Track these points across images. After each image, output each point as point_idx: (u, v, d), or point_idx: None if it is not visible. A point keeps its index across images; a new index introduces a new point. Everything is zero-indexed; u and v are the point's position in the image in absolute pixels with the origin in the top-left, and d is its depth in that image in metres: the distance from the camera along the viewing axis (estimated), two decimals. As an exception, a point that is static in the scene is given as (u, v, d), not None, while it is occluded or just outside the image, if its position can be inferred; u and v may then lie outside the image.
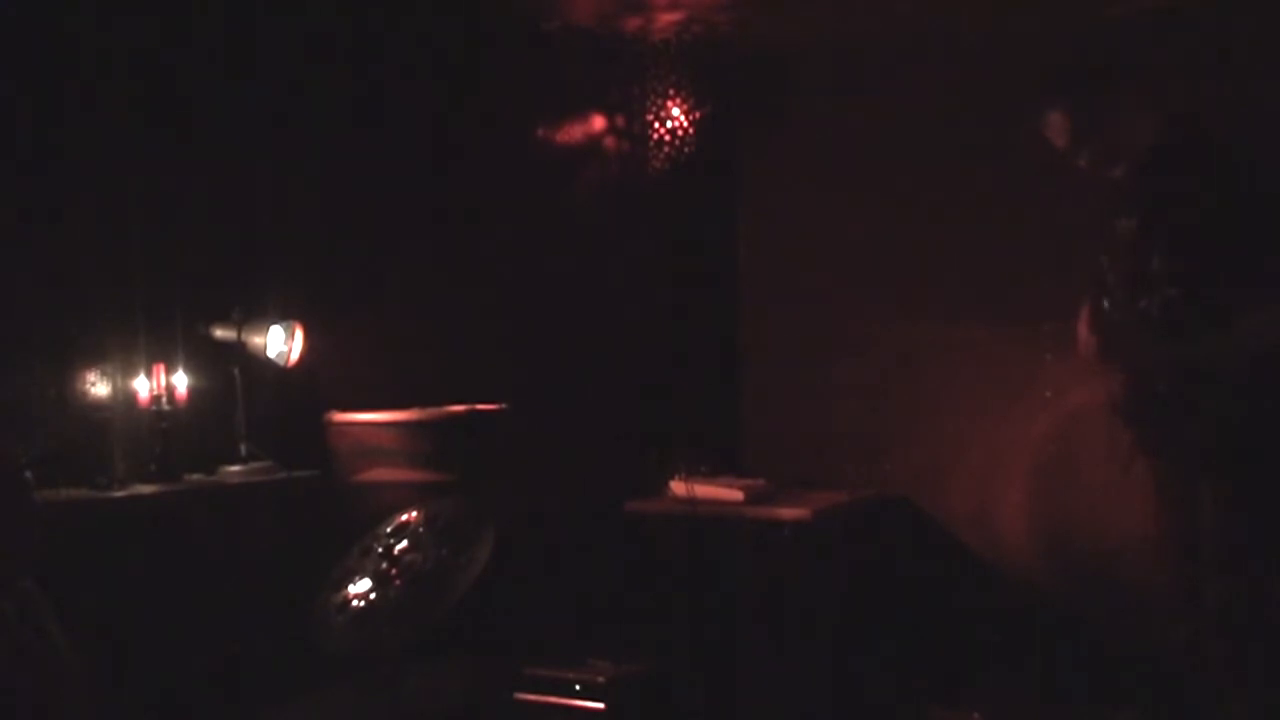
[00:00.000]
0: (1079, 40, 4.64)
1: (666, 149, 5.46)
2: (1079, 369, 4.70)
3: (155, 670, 3.40)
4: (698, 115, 5.52)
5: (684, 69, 5.44)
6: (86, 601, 3.09)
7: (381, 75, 4.48)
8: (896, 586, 5.08)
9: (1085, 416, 4.78)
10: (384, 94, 4.49)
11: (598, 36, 5.16)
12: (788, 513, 4.76)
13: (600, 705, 4.20)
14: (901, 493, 5.23)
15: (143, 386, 3.78)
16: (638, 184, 5.41)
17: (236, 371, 3.94)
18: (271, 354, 3.95)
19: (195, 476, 3.82)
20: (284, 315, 3.98)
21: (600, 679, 4.23)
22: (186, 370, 3.89)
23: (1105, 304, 3.90)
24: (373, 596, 3.46)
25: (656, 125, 5.44)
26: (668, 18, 5.05)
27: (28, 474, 2.71)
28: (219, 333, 3.97)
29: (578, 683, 4.24)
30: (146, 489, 3.64)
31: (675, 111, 5.46)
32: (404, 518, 3.65)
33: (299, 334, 3.97)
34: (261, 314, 3.99)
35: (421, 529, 3.57)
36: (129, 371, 3.80)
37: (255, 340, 3.95)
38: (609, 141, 5.34)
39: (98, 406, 3.76)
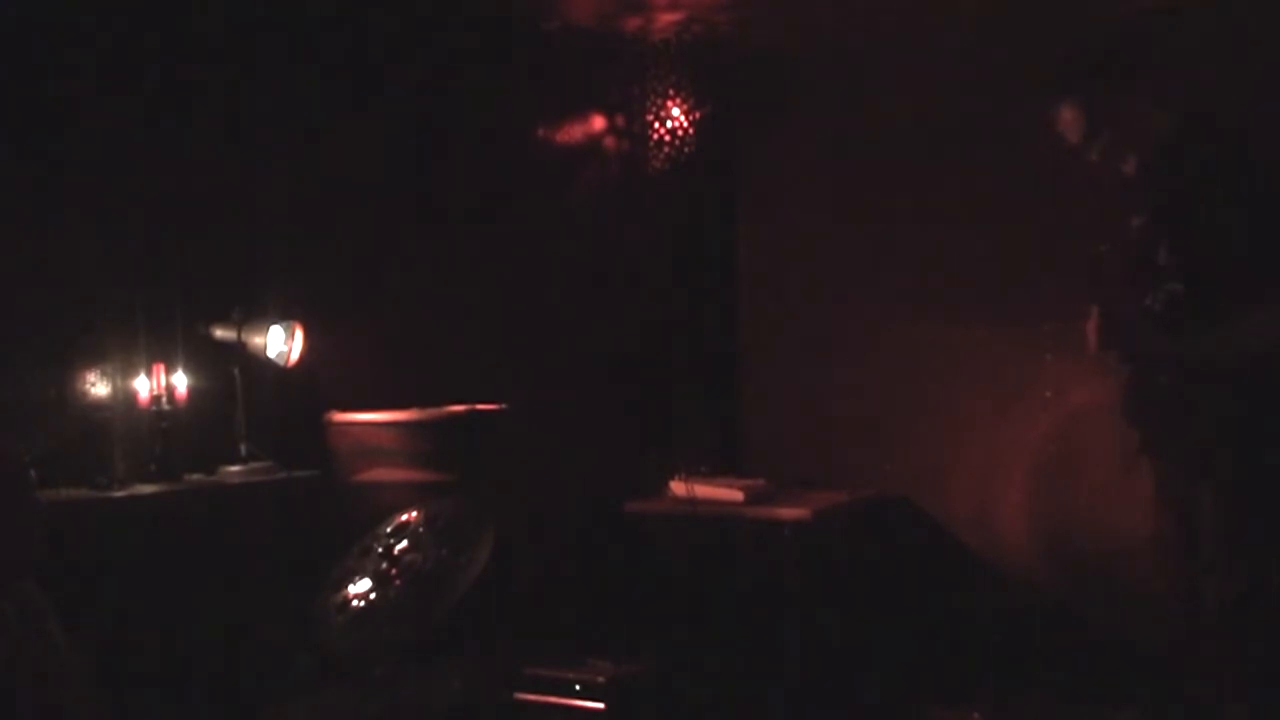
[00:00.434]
0: (1080, 39, 4.64)
1: (666, 149, 5.46)
2: (1079, 369, 4.71)
3: (155, 670, 3.39)
4: (698, 115, 5.52)
5: (684, 69, 5.44)
6: (86, 601, 3.09)
7: (381, 75, 4.48)
8: (896, 586, 5.08)
9: (1085, 416, 4.78)
10: (384, 93, 4.49)
11: (598, 36, 5.17)
12: (788, 513, 4.76)
13: (600, 705, 4.20)
14: (901, 493, 5.23)
15: (143, 386, 3.78)
16: (638, 184, 5.41)
17: (236, 371, 3.94)
18: (271, 354, 3.95)
19: (195, 476, 3.82)
20: (284, 315, 3.98)
21: (600, 679, 4.23)
22: (186, 370, 3.89)
23: (1111, 299, 3.90)
24: (373, 596, 3.46)
25: (656, 125, 5.44)
26: (668, 18, 5.06)
27: (31, 472, 2.71)
28: (219, 333, 3.96)
29: (578, 683, 4.23)
30: (146, 489, 3.64)
31: (675, 111, 5.46)
32: (404, 518, 3.65)
33: (299, 334, 3.97)
34: (261, 314, 3.98)
35: (421, 529, 3.57)
36: (129, 371, 3.80)
37: (255, 340, 3.94)
38: (609, 141, 5.34)
39: (98, 406, 3.75)
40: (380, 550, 3.55)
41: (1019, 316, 4.93)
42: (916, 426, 5.22)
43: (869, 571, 5.01)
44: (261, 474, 3.88)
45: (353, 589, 3.51)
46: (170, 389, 3.81)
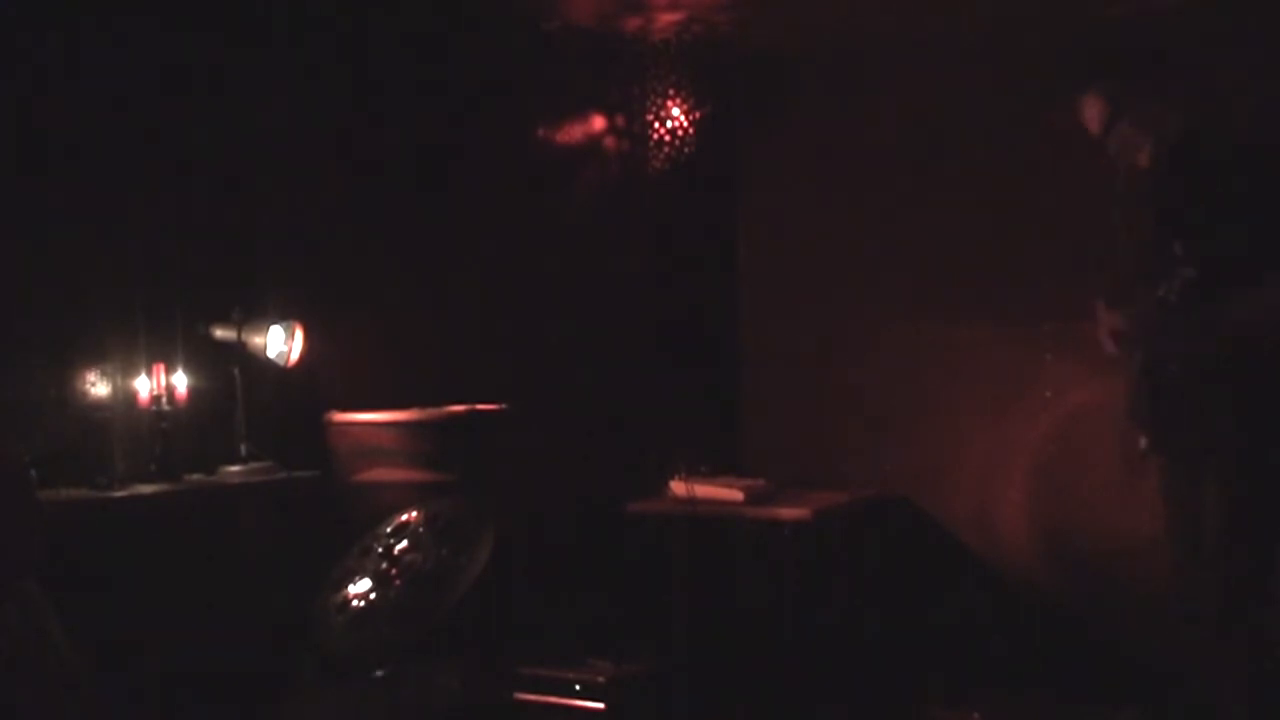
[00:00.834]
0: (1080, 38, 4.64)
1: (666, 149, 5.46)
2: (1079, 369, 4.71)
3: (155, 670, 3.39)
4: (698, 115, 5.52)
5: (684, 69, 5.44)
6: (86, 601, 3.09)
7: (381, 75, 4.48)
8: (896, 586, 5.08)
9: (1085, 416, 4.79)
10: (384, 93, 4.49)
11: (598, 36, 5.17)
12: (788, 513, 4.76)
13: (600, 705, 4.20)
14: (901, 493, 5.23)
15: (143, 386, 3.78)
16: (638, 184, 5.41)
17: (236, 371, 3.94)
18: (271, 354, 3.95)
19: (195, 476, 3.82)
20: (284, 315, 3.98)
21: (600, 679, 4.23)
22: (186, 370, 3.89)
23: (1123, 298, 3.91)
24: (373, 596, 3.46)
25: (656, 125, 5.44)
26: (668, 18, 5.06)
27: (31, 472, 2.71)
28: (219, 333, 3.96)
29: (578, 683, 4.24)
30: (146, 489, 3.64)
31: (675, 111, 5.46)
32: (404, 518, 3.65)
33: (299, 334, 3.97)
34: (261, 314, 3.98)
35: (421, 529, 3.58)
36: (129, 371, 3.80)
37: (255, 340, 3.95)
38: (609, 141, 5.34)
39: (98, 406, 3.75)
40: (380, 550, 3.55)
41: (1019, 316, 4.94)
42: (916, 426, 5.22)
43: (869, 571, 5.01)
44: (261, 474, 3.88)
45: (353, 589, 3.52)
46: (170, 389, 3.81)
